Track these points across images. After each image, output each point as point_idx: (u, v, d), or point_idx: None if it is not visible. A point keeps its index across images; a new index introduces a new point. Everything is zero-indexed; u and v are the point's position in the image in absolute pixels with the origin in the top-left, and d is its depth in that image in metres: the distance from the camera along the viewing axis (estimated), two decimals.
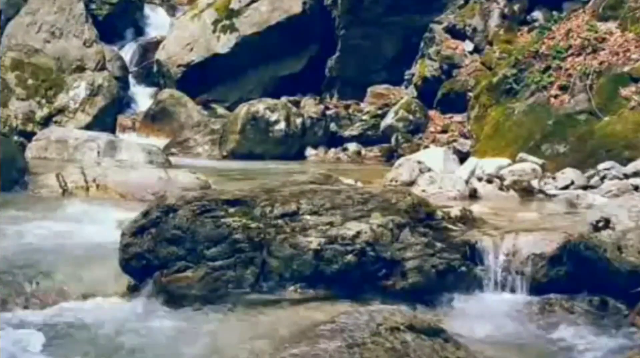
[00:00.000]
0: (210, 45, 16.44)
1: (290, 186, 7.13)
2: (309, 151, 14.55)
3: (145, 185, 9.69)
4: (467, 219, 7.11)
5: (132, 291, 6.55)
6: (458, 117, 14.10)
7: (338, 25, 15.95)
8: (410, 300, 6.27)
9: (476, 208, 8.00)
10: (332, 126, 14.92)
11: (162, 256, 6.48)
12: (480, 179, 9.98)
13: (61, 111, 14.91)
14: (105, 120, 15.04)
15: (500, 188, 9.80)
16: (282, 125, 14.26)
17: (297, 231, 6.48)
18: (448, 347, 4.66)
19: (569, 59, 12.18)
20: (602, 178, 9.96)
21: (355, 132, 14.86)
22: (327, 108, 15.10)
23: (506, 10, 14.55)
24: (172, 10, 18.47)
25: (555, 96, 11.90)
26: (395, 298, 6.22)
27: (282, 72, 16.41)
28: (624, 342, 5.82)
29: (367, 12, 15.48)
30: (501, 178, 10.03)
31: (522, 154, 10.96)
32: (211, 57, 16.37)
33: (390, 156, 13.88)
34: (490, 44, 14.41)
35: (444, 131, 14.10)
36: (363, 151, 14.64)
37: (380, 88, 15.28)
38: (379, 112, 14.85)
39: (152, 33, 18.03)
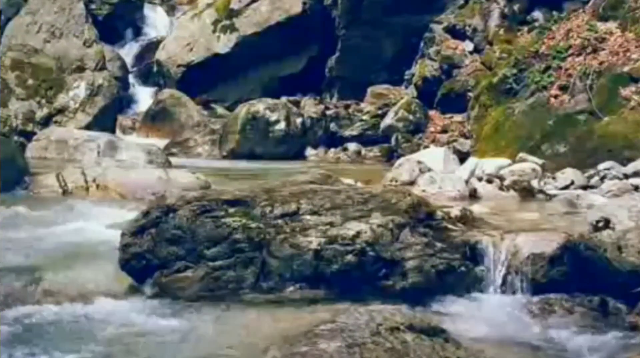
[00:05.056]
0: (210, 45, 16.45)
1: (290, 186, 7.13)
2: (309, 151, 14.55)
3: (145, 185, 9.69)
4: (467, 219, 7.11)
5: (132, 291, 6.55)
6: (458, 117, 14.11)
7: (338, 25, 15.96)
8: (410, 300, 6.26)
9: (476, 208, 8.01)
10: (332, 126, 14.92)
11: (162, 256, 6.48)
12: (480, 179, 9.98)
13: (61, 111, 14.91)
14: (105, 120, 15.04)
15: (500, 188, 9.80)
16: (282, 125, 14.27)
17: (297, 231, 6.48)
18: (448, 347, 4.66)
19: (569, 59, 12.18)
20: (602, 178, 9.96)
21: (355, 133, 14.86)
22: (327, 108, 15.10)
23: (506, 10, 14.55)
24: (172, 10, 18.48)
25: (555, 96, 11.90)
26: (395, 298, 6.22)
27: (282, 72, 16.42)
28: (624, 342, 5.82)
29: (367, 12, 15.49)
30: (501, 178, 10.03)
31: (522, 154, 10.96)
32: (211, 57, 16.39)
33: (390, 156, 13.88)
34: (490, 44, 14.41)
35: (444, 131, 14.10)
36: (363, 151, 14.65)
37: (380, 88, 15.29)
38: (379, 112, 14.85)
39: (152, 33, 18.04)
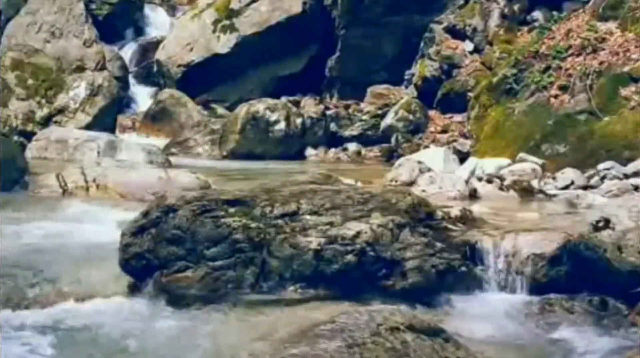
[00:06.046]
0: (210, 45, 16.43)
1: (290, 186, 7.13)
2: (309, 151, 14.55)
3: (145, 185, 9.69)
4: (467, 219, 7.12)
5: (132, 291, 6.55)
6: (458, 117, 14.11)
7: (338, 25, 15.95)
8: (410, 300, 6.27)
9: (476, 208, 8.01)
10: (332, 126, 14.92)
11: (162, 256, 6.48)
12: (480, 179, 9.98)
13: (61, 111, 14.91)
14: (105, 120, 15.04)
15: (500, 188, 9.80)
16: (282, 125, 14.26)
17: (297, 231, 6.48)
18: (448, 347, 4.66)
19: (569, 59, 12.17)
20: (602, 178, 9.96)
21: (355, 133, 14.86)
22: (327, 108, 15.10)
23: (506, 10, 14.54)
24: (172, 10, 18.47)
25: (555, 96, 11.89)
26: (395, 298, 6.22)
27: (282, 72, 16.40)
28: (624, 342, 5.82)
29: (367, 12, 15.48)
30: (501, 178, 10.04)
31: (522, 154, 10.96)
32: (211, 57, 16.37)
33: (390, 156, 13.88)
34: (490, 44, 14.41)
35: (444, 131, 14.10)
36: (363, 151, 14.65)
37: (380, 88, 15.28)
38: (379, 112, 14.85)
39: (152, 33, 18.02)
